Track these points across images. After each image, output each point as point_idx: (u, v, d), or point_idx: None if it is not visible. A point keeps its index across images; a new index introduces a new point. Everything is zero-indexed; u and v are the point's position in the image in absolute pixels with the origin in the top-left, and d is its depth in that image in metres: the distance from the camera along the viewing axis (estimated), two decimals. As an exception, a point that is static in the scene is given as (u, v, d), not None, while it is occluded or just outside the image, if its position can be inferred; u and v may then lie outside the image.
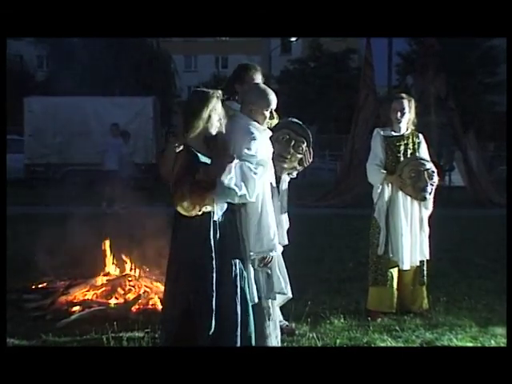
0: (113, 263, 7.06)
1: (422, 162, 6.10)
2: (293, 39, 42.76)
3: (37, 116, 20.46)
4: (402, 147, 6.16)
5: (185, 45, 54.70)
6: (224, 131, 4.32)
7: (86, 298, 6.48)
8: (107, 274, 6.92)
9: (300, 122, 5.09)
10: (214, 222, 4.20)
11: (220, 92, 4.33)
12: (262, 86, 4.71)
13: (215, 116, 4.26)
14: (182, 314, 4.18)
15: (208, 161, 4.19)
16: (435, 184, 6.07)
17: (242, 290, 4.26)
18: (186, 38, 55.91)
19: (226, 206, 4.25)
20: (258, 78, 5.33)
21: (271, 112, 4.55)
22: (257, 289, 4.40)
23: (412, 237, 6.11)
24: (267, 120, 4.58)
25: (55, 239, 7.36)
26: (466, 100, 33.47)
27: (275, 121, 5.56)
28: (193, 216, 4.12)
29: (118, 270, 7.01)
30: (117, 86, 29.90)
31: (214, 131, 4.27)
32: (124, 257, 7.04)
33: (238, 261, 4.27)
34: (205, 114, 4.20)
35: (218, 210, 4.20)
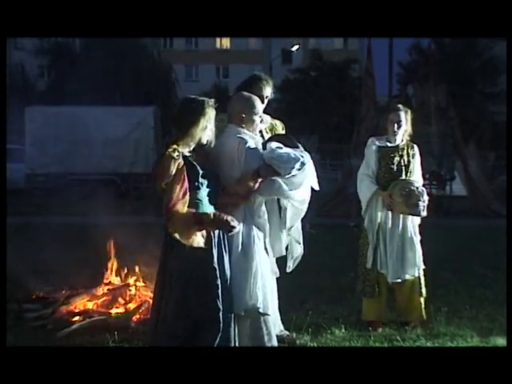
0: (115, 272, 7.06)
1: (411, 181, 6.08)
2: (293, 49, 42.87)
3: (38, 125, 20.48)
4: (396, 158, 6.12)
5: (186, 54, 54.89)
6: (213, 142, 4.34)
7: (86, 307, 6.48)
8: (108, 284, 6.91)
9: (288, 135, 5.06)
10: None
11: (213, 101, 4.31)
12: (245, 93, 4.75)
13: (210, 126, 4.25)
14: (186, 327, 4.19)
15: (204, 172, 4.20)
16: (426, 202, 5.97)
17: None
18: (187, 47, 56.17)
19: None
20: (268, 91, 5.31)
21: (260, 116, 4.65)
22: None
23: (404, 250, 6.06)
24: (258, 125, 4.67)
25: (56, 249, 7.37)
26: (466, 110, 33.51)
27: (279, 126, 5.56)
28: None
29: (118, 279, 7.01)
30: (118, 95, 29.99)
31: (205, 141, 4.27)
32: (126, 266, 7.04)
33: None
34: (203, 124, 4.19)
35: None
